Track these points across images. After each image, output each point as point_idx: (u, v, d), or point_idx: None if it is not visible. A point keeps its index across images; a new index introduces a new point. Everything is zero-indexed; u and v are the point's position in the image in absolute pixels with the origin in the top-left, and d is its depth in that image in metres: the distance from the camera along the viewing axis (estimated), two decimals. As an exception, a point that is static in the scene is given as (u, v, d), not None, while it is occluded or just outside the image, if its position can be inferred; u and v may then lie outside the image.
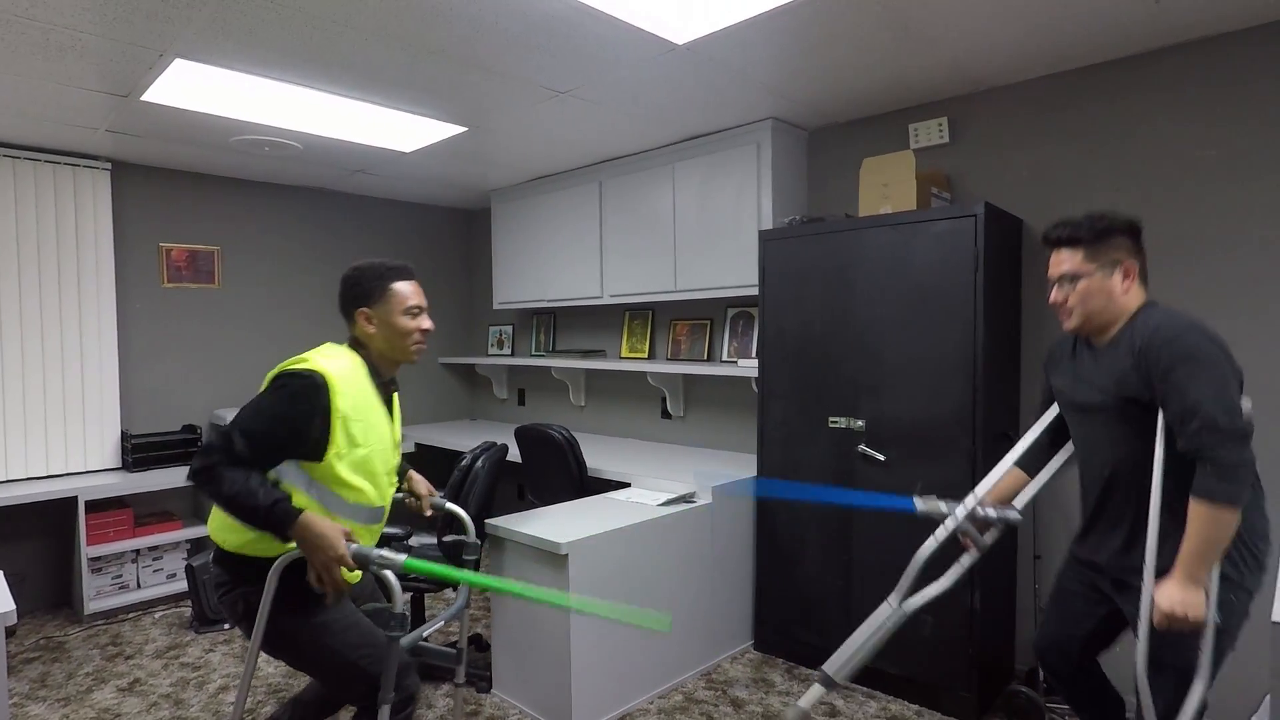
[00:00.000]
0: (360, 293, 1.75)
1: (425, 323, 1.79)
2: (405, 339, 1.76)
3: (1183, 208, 2.47)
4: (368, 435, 1.69)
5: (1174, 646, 1.54)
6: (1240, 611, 1.58)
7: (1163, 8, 2.20)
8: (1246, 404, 1.52)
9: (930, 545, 1.86)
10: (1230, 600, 1.55)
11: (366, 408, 1.69)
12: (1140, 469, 1.62)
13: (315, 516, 1.54)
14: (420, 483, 2.12)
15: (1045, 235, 1.72)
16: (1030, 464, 1.91)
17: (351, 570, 1.58)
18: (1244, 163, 2.35)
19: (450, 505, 2.09)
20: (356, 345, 1.77)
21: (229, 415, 3.85)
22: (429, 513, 2.10)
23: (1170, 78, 2.47)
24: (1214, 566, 1.52)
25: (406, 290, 1.76)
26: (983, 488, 1.90)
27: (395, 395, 1.89)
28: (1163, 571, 1.54)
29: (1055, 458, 1.91)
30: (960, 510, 1.84)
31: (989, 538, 1.87)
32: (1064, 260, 1.67)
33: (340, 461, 1.63)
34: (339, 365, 1.65)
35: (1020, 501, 1.90)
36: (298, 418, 1.58)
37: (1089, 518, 1.78)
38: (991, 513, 1.83)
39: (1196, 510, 1.48)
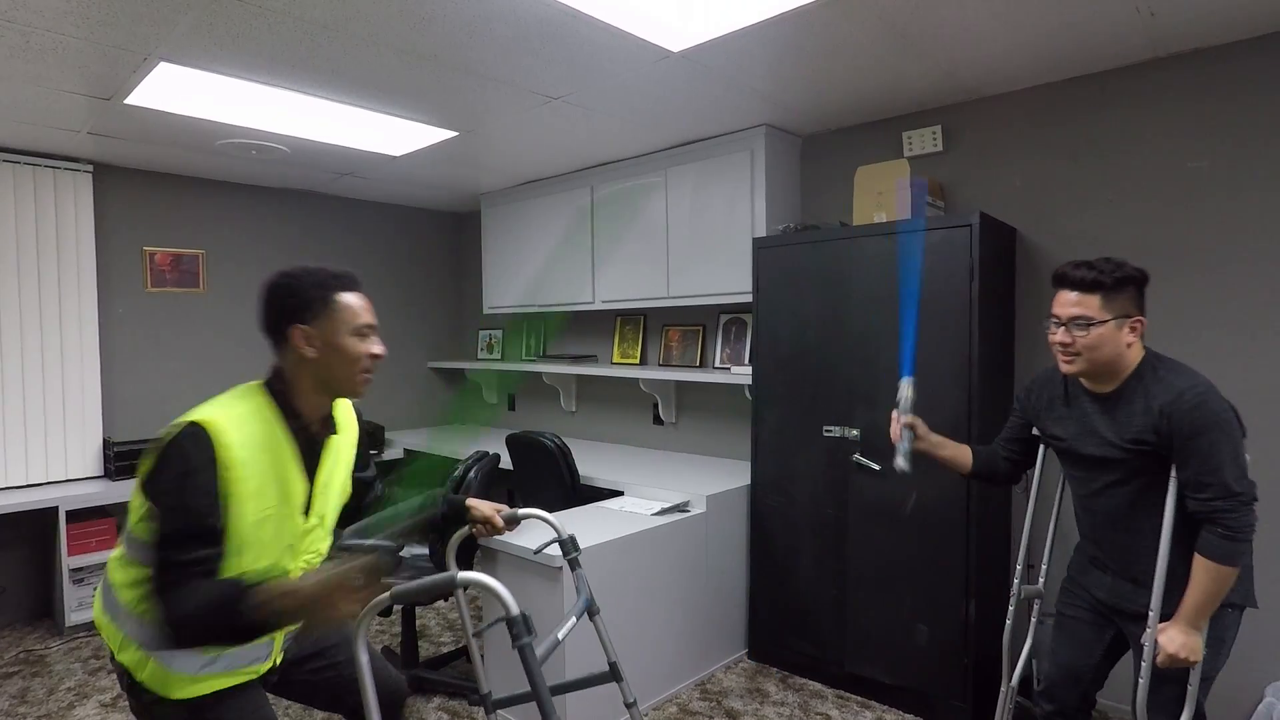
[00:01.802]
0: (296, 305, 1.39)
1: (376, 347, 1.45)
2: (353, 366, 1.41)
3: (1175, 219, 2.48)
4: (261, 494, 1.34)
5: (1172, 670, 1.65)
6: (1233, 635, 1.67)
7: (1157, 20, 2.20)
8: (1248, 458, 1.60)
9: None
10: (1219, 639, 1.64)
11: (262, 459, 1.35)
12: (1144, 515, 1.67)
13: (287, 587, 1.25)
14: (482, 505, 1.90)
15: (1064, 275, 1.66)
16: (981, 462, 1.96)
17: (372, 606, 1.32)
18: (1236, 174, 2.36)
19: (527, 510, 1.93)
20: (276, 380, 1.44)
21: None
22: (509, 529, 1.93)
23: (1163, 89, 2.48)
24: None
25: (356, 305, 1.43)
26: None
27: (332, 442, 1.53)
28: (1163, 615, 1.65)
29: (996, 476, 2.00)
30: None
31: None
32: (1078, 303, 1.63)
33: (229, 531, 1.30)
34: (221, 410, 1.34)
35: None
36: (197, 483, 1.26)
37: (1095, 557, 1.82)
38: (904, 448, 1.84)
39: (1203, 567, 1.56)
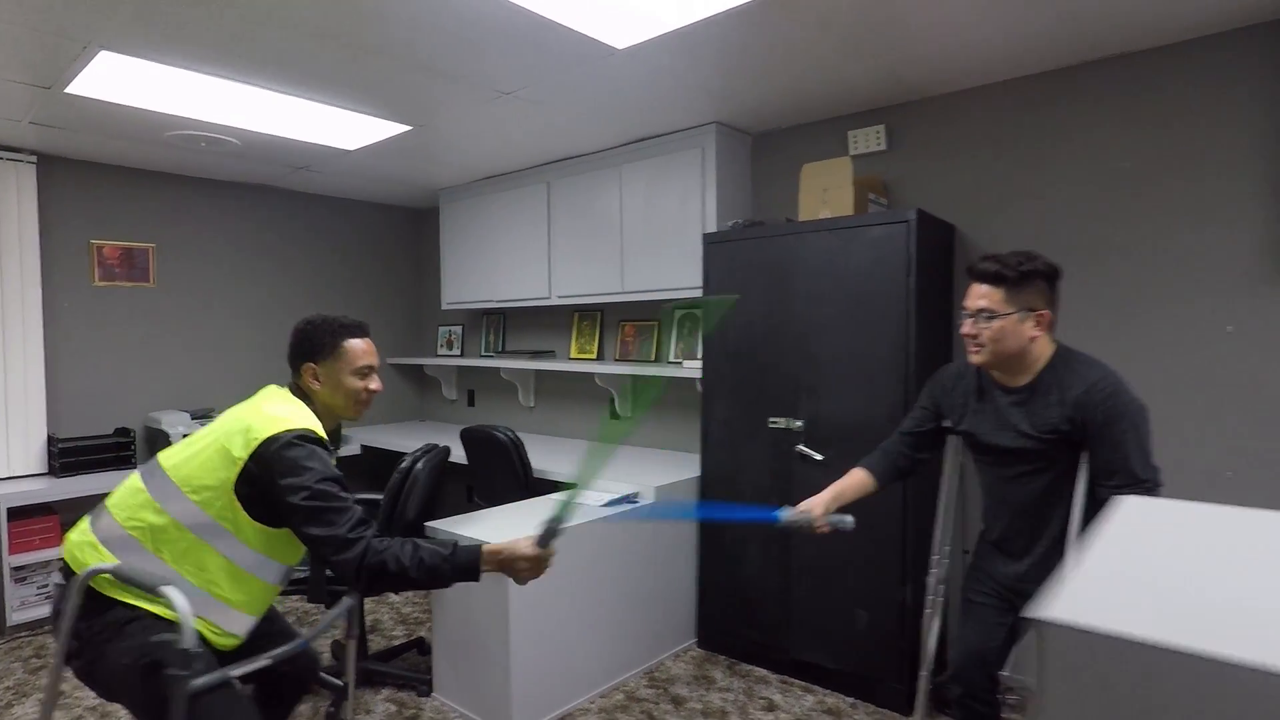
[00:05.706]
0: (310, 347, 1.68)
1: (374, 383, 1.73)
2: (351, 398, 1.70)
3: (1102, 215, 2.58)
4: None
5: None
6: None
7: (1081, 26, 2.30)
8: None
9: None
10: None
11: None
12: (1054, 501, 1.73)
13: (494, 550, 1.58)
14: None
15: (970, 268, 1.74)
16: (883, 472, 1.99)
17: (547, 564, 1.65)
18: (1156, 172, 2.47)
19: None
20: (302, 396, 1.69)
21: (165, 418, 3.74)
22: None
23: (1090, 91, 2.59)
24: None
25: (359, 348, 1.72)
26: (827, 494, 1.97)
27: None
28: None
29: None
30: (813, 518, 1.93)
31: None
32: (983, 296, 1.70)
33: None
34: (318, 425, 1.63)
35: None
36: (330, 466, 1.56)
37: (1000, 540, 1.87)
38: (835, 519, 1.90)
39: None
